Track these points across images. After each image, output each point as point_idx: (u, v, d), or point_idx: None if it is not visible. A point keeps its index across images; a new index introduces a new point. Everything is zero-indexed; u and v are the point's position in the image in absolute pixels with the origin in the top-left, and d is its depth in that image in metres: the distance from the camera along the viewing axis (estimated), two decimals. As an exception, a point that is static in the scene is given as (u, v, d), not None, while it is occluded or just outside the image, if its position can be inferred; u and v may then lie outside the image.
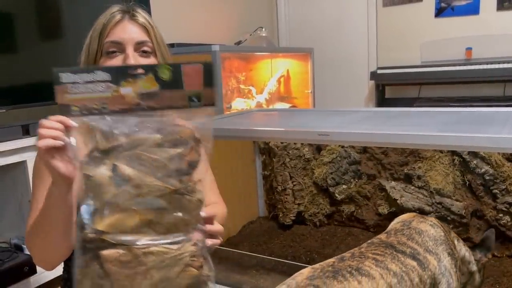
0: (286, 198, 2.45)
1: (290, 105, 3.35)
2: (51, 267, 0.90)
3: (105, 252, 0.70)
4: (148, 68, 0.78)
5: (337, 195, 2.36)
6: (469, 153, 1.99)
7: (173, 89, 0.78)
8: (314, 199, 2.45)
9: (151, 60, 1.00)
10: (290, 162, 2.43)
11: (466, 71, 3.14)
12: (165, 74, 0.78)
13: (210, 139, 0.79)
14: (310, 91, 3.38)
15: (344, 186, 2.35)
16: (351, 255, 1.11)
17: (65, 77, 0.74)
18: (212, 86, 0.79)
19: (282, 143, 2.42)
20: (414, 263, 1.12)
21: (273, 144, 2.46)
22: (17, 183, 1.76)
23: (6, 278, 1.47)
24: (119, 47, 0.96)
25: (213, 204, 1.09)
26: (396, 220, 1.35)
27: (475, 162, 1.97)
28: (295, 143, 2.41)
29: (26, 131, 1.71)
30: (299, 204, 2.45)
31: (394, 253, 1.12)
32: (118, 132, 0.75)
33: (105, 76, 0.76)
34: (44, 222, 0.82)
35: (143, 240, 0.71)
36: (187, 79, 0.78)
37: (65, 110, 0.75)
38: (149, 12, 1.06)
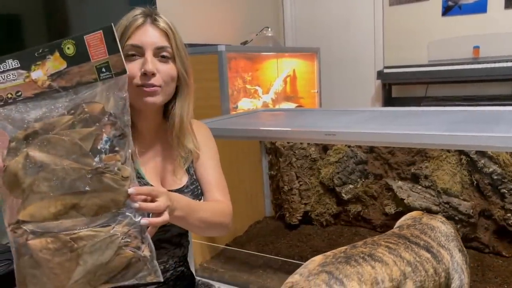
0: (293, 198, 2.44)
1: (296, 105, 3.35)
2: None
3: (32, 242, 0.70)
4: (53, 46, 0.76)
5: (343, 195, 2.35)
6: (476, 152, 1.97)
7: (80, 63, 0.76)
8: (321, 199, 2.45)
9: (169, 66, 0.99)
10: (297, 162, 2.43)
11: (473, 70, 3.12)
12: (70, 50, 0.76)
13: (127, 111, 0.76)
14: (316, 90, 3.38)
15: (350, 186, 2.35)
16: (363, 243, 1.10)
17: None
18: (118, 51, 0.76)
19: (288, 143, 2.42)
20: (428, 255, 1.11)
21: (279, 144, 2.46)
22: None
23: (15, 278, 1.48)
24: (139, 50, 0.96)
25: (214, 201, 1.08)
26: (405, 217, 1.34)
27: (482, 161, 1.95)
28: (301, 143, 2.41)
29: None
30: (305, 204, 2.44)
31: (408, 243, 1.12)
32: (30, 119, 0.75)
33: (14, 63, 0.76)
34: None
35: (69, 225, 0.70)
36: (91, 49, 0.76)
37: None
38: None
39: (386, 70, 3.48)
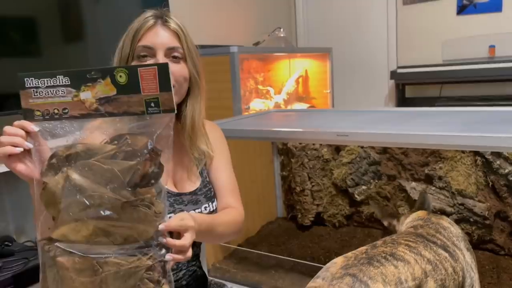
0: (305, 198, 2.44)
1: (309, 105, 3.34)
2: None
3: (61, 259, 0.71)
4: (106, 72, 0.77)
5: (356, 196, 2.34)
6: (492, 153, 1.95)
7: (130, 93, 0.76)
8: (333, 200, 2.43)
9: (181, 66, 1.00)
10: (309, 162, 2.42)
11: (489, 69, 3.07)
12: (122, 78, 0.77)
13: (170, 146, 0.77)
14: (328, 91, 3.36)
15: (363, 187, 2.33)
16: (383, 242, 1.09)
17: (29, 81, 0.77)
18: (170, 90, 0.76)
19: (300, 143, 2.42)
20: (446, 254, 1.10)
21: (291, 145, 2.46)
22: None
23: (31, 276, 1.51)
24: (150, 51, 0.97)
25: (226, 210, 1.08)
26: (412, 217, 1.33)
27: (498, 162, 1.92)
28: (313, 144, 2.40)
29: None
30: (317, 205, 2.44)
31: (426, 241, 1.11)
32: (74, 139, 0.76)
33: (64, 80, 0.77)
34: (35, 215, 0.84)
35: (99, 250, 0.71)
36: (144, 83, 0.76)
37: (28, 114, 0.78)
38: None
39: (399, 70, 3.45)
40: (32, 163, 0.77)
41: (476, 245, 2.05)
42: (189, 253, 0.79)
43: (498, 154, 1.93)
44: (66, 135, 0.77)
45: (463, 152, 2.04)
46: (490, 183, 1.99)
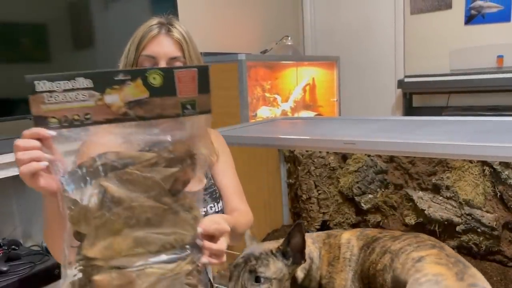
0: (311, 206, 2.43)
1: (316, 113, 3.34)
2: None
3: (98, 278, 0.66)
4: (137, 73, 0.70)
5: (363, 204, 2.33)
6: (500, 163, 1.93)
7: (164, 96, 0.70)
8: (340, 208, 2.42)
9: None
10: (315, 170, 2.42)
11: (497, 79, 3.06)
12: (156, 80, 0.70)
13: (209, 147, 0.77)
14: (335, 99, 3.36)
15: (370, 196, 2.32)
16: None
17: (41, 85, 0.66)
18: (208, 92, 0.72)
19: (307, 151, 2.42)
20: None
21: (298, 152, 2.45)
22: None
23: (37, 280, 1.51)
24: (153, 61, 0.99)
25: (237, 212, 1.09)
26: (354, 241, 1.27)
27: (506, 172, 1.91)
28: (320, 152, 2.40)
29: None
30: (324, 213, 2.43)
31: None
32: (105, 147, 0.69)
33: (86, 83, 0.67)
34: (47, 230, 0.83)
35: (137, 262, 0.66)
36: (181, 85, 0.71)
37: (41, 122, 0.67)
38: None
39: (406, 79, 3.45)
40: (50, 175, 0.70)
41: (483, 256, 2.03)
42: (225, 257, 0.77)
43: (506, 164, 1.91)
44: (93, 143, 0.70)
45: (471, 161, 2.03)
46: (498, 194, 1.97)
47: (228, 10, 3.09)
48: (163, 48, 0.99)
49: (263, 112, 2.91)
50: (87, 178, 0.67)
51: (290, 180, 2.61)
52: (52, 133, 0.68)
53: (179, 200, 0.70)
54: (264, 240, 2.46)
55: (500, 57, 3.20)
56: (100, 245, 0.66)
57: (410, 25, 3.59)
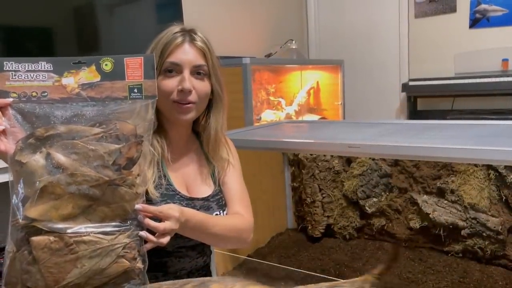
0: (315, 210, 2.43)
1: (320, 117, 3.34)
2: None
3: (35, 239, 0.70)
4: (91, 60, 0.79)
5: (367, 208, 2.33)
6: (505, 167, 1.93)
7: (114, 80, 0.80)
8: (344, 212, 2.42)
9: (205, 84, 1.04)
10: (320, 174, 2.42)
11: (502, 83, 3.05)
12: (108, 66, 0.80)
13: (150, 130, 0.81)
14: (340, 103, 3.36)
15: (374, 199, 2.32)
16: None
17: (8, 65, 0.77)
18: (153, 78, 0.81)
19: (311, 155, 2.42)
20: None
21: (302, 156, 2.46)
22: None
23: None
24: (177, 68, 1.01)
25: (233, 214, 1.09)
26: None
27: (511, 176, 1.90)
28: (324, 155, 2.40)
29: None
30: (328, 217, 2.42)
31: None
32: (56, 121, 0.76)
33: (47, 66, 0.78)
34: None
35: (75, 228, 0.71)
36: (129, 70, 0.80)
37: (3, 96, 0.77)
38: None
39: (411, 83, 3.44)
40: (8, 142, 0.76)
41: (488, 260, 2.02)
42: (164, 240, 0.81)
43: (511, 168, 1.91)
44: (47, 116, 0.76)
45: (475, 165, 2.02)
46: (504, 197, 1.96)
47: (233, 14, 3.11)
48: (187, 56, 1.01)
49: (268, 115, 2.91)
50: (38, 146, 0.74)
51: (294, 184, 2.61)
52: (9, 100, 0.76)
53: (122, 175, 0.75)
54: (268, 243, 2.46)
55: (505, 61, 3.19)
56: (41, 208, 0.71)
57: (414, 28, 3.59)
